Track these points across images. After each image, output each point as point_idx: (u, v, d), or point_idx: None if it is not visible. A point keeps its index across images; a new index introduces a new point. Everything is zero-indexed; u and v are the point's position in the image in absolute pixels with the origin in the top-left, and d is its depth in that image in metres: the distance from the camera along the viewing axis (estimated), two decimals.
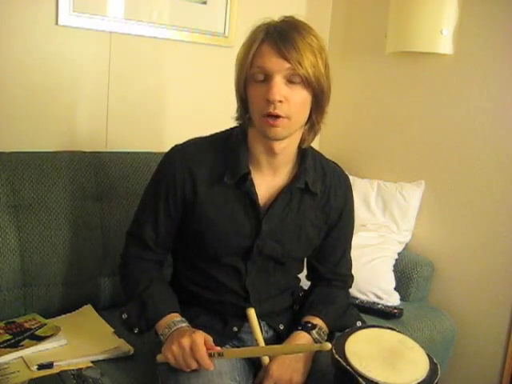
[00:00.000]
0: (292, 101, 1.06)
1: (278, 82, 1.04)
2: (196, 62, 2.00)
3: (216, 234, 1.18)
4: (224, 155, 1.18)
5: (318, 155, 1.29)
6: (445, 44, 1.90)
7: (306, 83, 1.06)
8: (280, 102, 1.05)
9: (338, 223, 1.29)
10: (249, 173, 1.16)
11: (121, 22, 1.78)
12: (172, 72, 1.95)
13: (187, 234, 1.23)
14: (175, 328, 1.11)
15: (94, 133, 1.81)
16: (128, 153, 1.71)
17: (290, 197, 1.20)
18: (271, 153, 1.15)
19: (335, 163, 1.33)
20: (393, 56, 2.09)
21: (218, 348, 1.07)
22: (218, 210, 1.17)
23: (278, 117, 1.06)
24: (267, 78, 1.05)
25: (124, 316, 1.18)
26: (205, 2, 1.96)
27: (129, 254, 1.26)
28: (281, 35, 1.05)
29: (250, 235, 1.19)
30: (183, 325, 1.13)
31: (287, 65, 1.04)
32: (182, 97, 1.99)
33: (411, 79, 2.08)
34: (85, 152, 1.63)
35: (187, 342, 1.05)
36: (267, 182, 1.19)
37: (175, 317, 1.15)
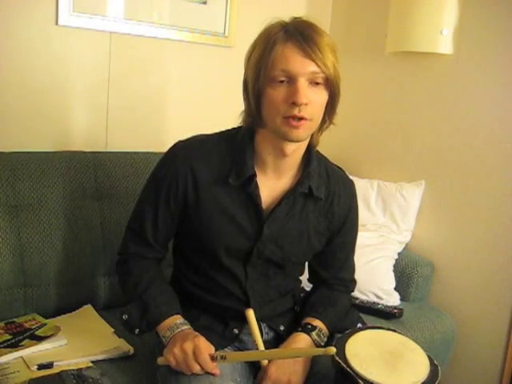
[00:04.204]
0: (314, 103, 1.06)
1: (303, 84, 1.03)
2: (196, 62, 2.00)
3: (216, 235, 1.17)
4: (229, 155, 1.16)
5: (322, 159, 1.27)
6: (445, 44, 1.90)
7: (328, 84, 1.07)
8: (305, 104, 1.04)
9: (340, 230, 1.27)
10: (254, 175, 1.14)
11: (121, 22, 1.78)
12: (172, 72, 1.95)
13: (188, 233, 1.22)
14: (178, 331, 1.11)
15: (93, 133, 1.81)
16: (128, 153, 1.71)
17: (293, 201, 1.19)
18: (281, 155, 1.14)
19: (340, 168, 1.32)
20: (393, 56, 2.09)
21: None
22: (220, 211, 1.16)
23: (301, 119, 1.05)
24: (290, 80, 1.04)
25: (124, 317, 1.18)
26: (205, 2, 1.96)
27: (128, 250, 1.24)
28: (303, 35, 1.03)
29: (250, 238, 1.18)
30: (185, 327, 1.12)
31: (312, 66, 1.03)
32: (181, 97, 1.99)
33: (411, 79, 2.08)
34: (85, 152, 1.63)
35: (190, 346, 1.04)
36: (270, 185, 1.18)
37: (177, 319, 1.14)
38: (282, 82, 1.04)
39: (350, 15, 2.30)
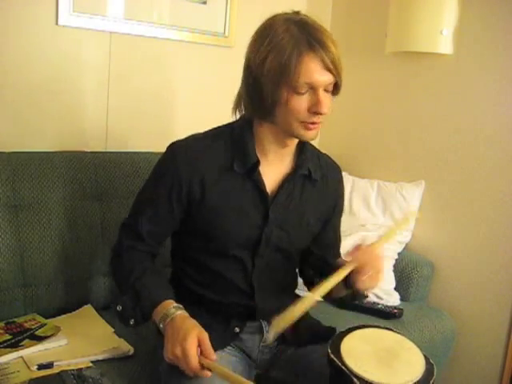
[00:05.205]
0: (330, 108, 1.13)
1: (324, 94, 1.10)
2: (196, 62, 2.00)
3: (225, 223, 1.18)
4: (230, 146, 1.19)
5: (312, 145, 1.32)
6: (445, 44, 1.91)
7: (336, 87, 1.13)
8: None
9: (334, 211, 1.34)
10: (258, 162, 1.17)
11: (121, 22, 1.78)
12: (172, 72, 1.95)
13: (193, 229, 1.22)
14: (169, 320, 1.09)
15: (93, 133, 1.81)
16: (128, 153, 1.71)
17: (292, 185, 1.23)
18: (282, 147, 1.20)
19: (328, 155, 1.38)
20: (393, 56, 2.09)
21: (212, 356, 1.03)
22: (227, 200, 1.18)
23: (317, 122, 1.12)
24: (310, 90, 1.09)
25: (119, 308, 1.15)
26: (205, 2, 1.96)
27: (122, 244, 1.24)
28: (323, 47, 1.07)
29: (257, 225, 1.20)
30: (178, 313, 1.10)
31: (331, 78, 1.09)
32: (181, 97, 1.99)
33: (411, 79, 2.08)
34: (85, 152, 1.63)
35: (179, 352, 1.02)
36: (273, 170, 1.21)
37: (169, 304, 1.12)
38: (303, 92, 1.09)
39: (350, 15, 2.30)
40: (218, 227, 1.19)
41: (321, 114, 1.10)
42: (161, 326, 1.10)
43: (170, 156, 1.20)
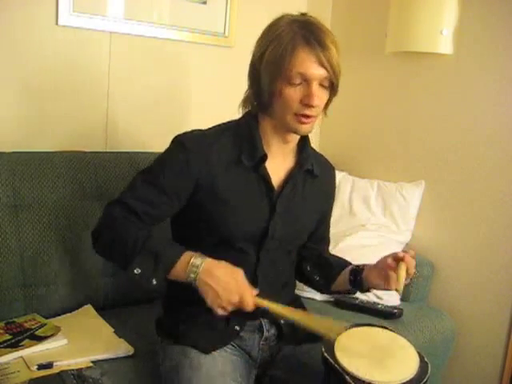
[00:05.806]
0: (322, 103, 1.16)
1: (317, 87, 1.13)
2: (196, 62, 2.00)
3: (232, 216, 1.19)
4: (237, 140, 1.21)
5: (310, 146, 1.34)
6: (445, 44, 1.91)
7: (332, 85, 1.16)
8: (317, 106, 1.14)
9: (328, 207, 1.42)
10: (265, 155, 1.19)
11: (121, 22, 1.78)
12: (172, 72, 1.95)
13: (198, 221, 1.21)
14: (200, 271, 1.07)
15: (93, 133, 1.81)
16: (128, 153, 1.71)
17: (296, 180, 1.26)
18: (283, 142, 1.23)
19: (321, 154, 1.42)
20: (393, 56, 2.09)
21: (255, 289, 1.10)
22: (235, 193, 1.19)
23: (310, 116, 1.15)
24: (304, 82, 1.12)
25: (137, 271, 1.10)
26: (205, 2, 1.96)
27: (112, 216, 1.16)
28: (320, 43, 1.10)
29: (264, 218, 1.21)
30: (204, 263, 1.08)
31: (325, 72, 1.12)
32: (181, 97, 1.99)
33: (411, 79, 2.08)
34: (85, 152, 1.63)
35: (237, 299, 1.06)
36: (277, 165, 1.23)
37: (190, 256, 1.09)
38: (297, 84, 1.12)
39: (350, 15, 2.30)
40: (226, 219, 1.19)
41: (312, 106, 1.12)
42: (190, 277, 1.08)
43: (180, 147, 1.19)
